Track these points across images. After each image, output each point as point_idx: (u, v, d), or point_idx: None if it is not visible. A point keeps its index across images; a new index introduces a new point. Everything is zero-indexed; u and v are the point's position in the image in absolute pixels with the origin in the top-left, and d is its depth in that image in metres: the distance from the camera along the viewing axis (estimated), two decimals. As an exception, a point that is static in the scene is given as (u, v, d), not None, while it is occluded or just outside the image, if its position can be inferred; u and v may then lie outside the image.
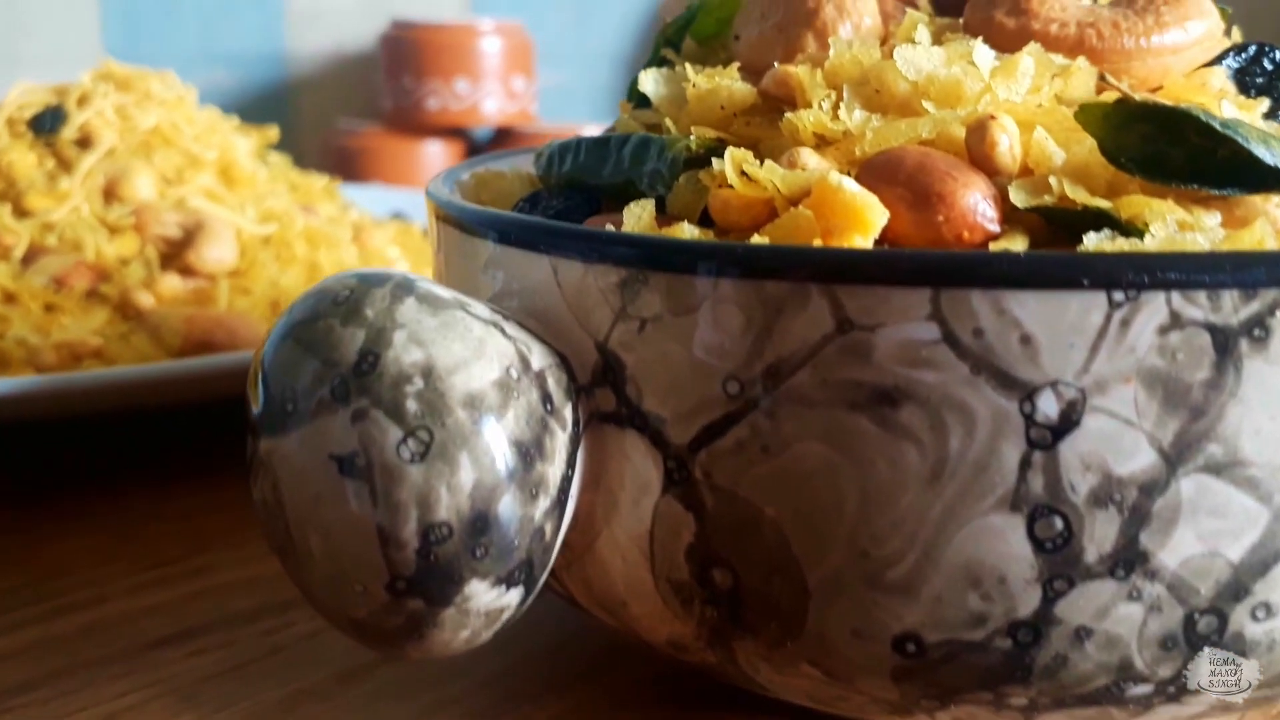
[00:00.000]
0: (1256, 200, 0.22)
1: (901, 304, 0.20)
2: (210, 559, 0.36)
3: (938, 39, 0.26)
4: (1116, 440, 0.20)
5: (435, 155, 1.02)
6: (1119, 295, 0.19)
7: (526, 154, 0.34)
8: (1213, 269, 0.19)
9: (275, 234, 0.54)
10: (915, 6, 0.30)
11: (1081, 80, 0.24)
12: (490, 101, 1.03)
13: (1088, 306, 0.19)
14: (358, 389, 0.20)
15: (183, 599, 0.33)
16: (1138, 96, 0.22)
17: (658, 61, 0.31)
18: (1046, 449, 0.20)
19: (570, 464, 0.22)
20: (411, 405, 0.20)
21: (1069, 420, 0.20)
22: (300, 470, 0.20)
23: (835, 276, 0.20)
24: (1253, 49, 0.27)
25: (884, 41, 0.27)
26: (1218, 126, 0.21)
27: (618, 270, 0.22)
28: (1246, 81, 0.27)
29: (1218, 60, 0.27)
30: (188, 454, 0.45)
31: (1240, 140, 0.21)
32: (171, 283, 0.49)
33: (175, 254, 0.51)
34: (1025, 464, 0.20)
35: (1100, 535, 0.20)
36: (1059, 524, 0.20)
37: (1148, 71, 0.25)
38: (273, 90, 1.11)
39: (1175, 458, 0.20)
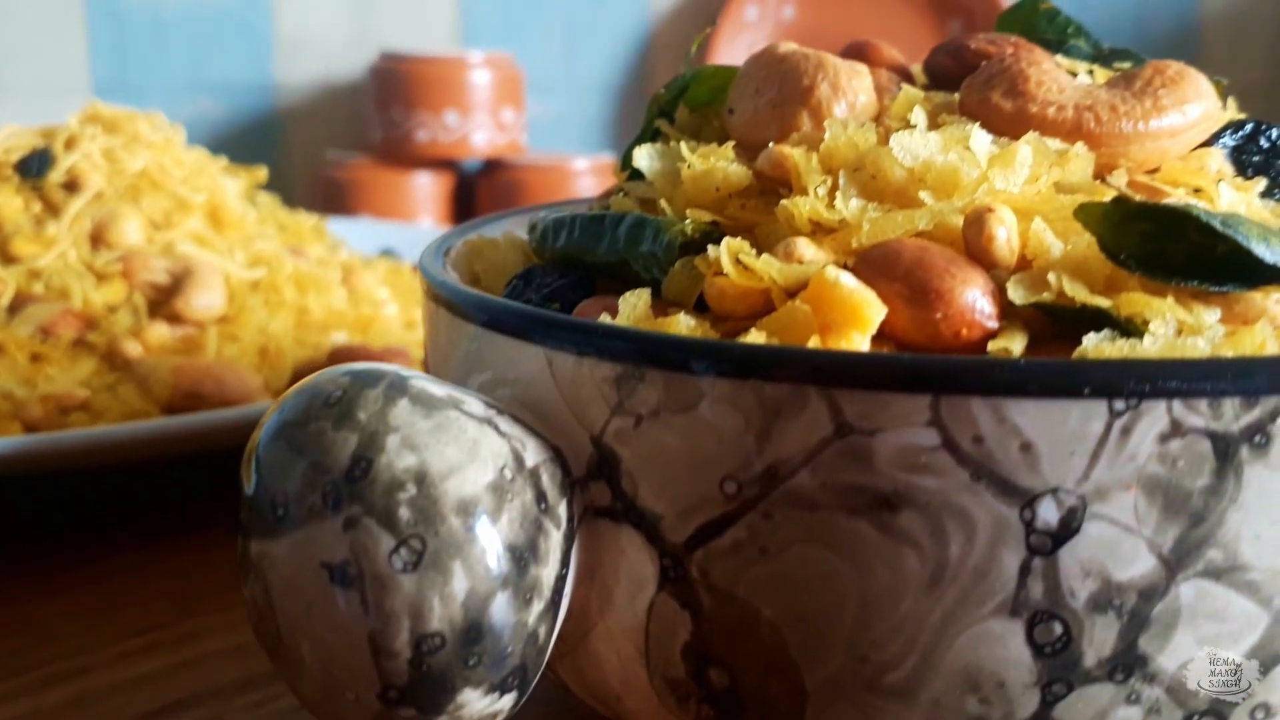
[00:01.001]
0: (1256, 296, 0.22)
1: (901, 409, 0.20)
2: (199, 624, 0.36)
3: (933, 120, 0.26)
4: (1116, 547, 0.20)
5: (424, 187, 1.02)
6: (1120, 404, 0.19)
7: (519, 216, 0.34)
8: (1214, 377, 0.19)
9: (264, 279, 0.53)
10: (910, 78, 0.30)
11: (1079, 166, 0.24)
12: (480, 133, 1.02)
13: (1089, 415, 0.19)
14: (350, 496, 0.20)
15: (171, 668, 0.33)
16: (1137, 197, 0.22)
17: (651, 134, 0.30)
18: (1046, 555, 0.20)
19: (564, 563, 0.22)
20: (404, 513, 0.20)
21: (1069, 527, 0.20)
22: (291, 577, 0.20)
23: (834, 380, 0.20)
24: (1249, 126, 0.27)
25: (878, 118, 0.27)
26: (1218, 225, 0.21)
27: (613, 365, 0.22)
28: (1243, 160, 0.27)
29: (1214, 138, 0.27)
30: (173, 508, 0.45)
31: (1240, 239, 0.21)
32: (159, 331, 0.49)
33: (163, 301, 0.50)
34: (1025, 570, 0.20)
35: (1099, 640, 0.20)
36: (1058, 629, 0.20)
37: (1145, 155, 0.25)
38: (261, 120, 1.11)
39: (1175, 563, 0.20)
